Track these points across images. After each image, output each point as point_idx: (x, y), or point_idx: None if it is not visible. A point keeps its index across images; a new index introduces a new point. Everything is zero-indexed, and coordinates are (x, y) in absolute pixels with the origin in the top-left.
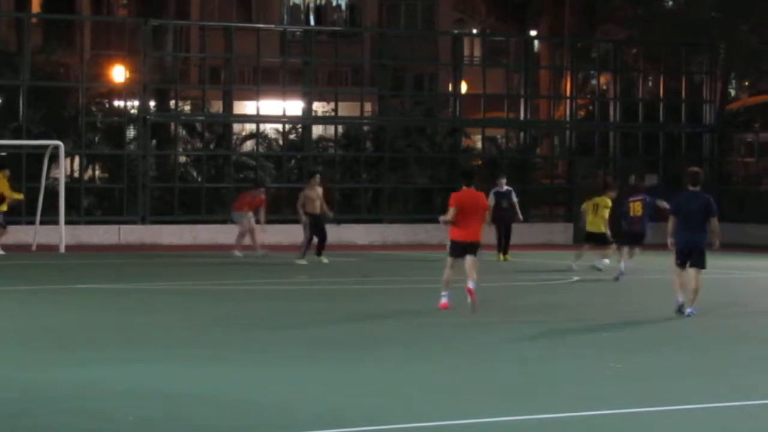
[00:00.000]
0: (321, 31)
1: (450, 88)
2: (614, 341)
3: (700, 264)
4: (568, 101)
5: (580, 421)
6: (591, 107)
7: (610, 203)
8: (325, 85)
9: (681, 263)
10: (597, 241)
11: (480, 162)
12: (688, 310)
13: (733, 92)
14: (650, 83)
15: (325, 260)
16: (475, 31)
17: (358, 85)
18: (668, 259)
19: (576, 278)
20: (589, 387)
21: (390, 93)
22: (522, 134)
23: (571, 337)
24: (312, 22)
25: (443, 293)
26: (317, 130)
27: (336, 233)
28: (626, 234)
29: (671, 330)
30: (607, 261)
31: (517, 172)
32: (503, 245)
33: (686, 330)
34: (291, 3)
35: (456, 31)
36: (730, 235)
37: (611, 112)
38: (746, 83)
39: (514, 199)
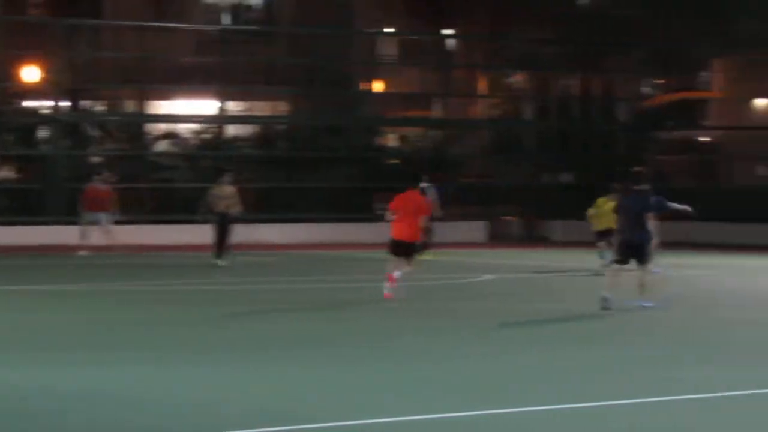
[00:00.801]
0: (236, 30)
1: (366, 87)
2: (531, 338)
3: (645, 260)
4: (483, 100)
5: (489, 418)
6: (506, 106)
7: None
8: (240, 85)
9: (621, 260)
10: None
11: (398, 161)
12: (643, 304)
13: (647, 90)
14: (565, 81)
15: (221, 262)
16: (391, 30)
17: (273, 84)
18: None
19: (487, 277)
20: (503, 383)
21: (305, 92)
22: (438, 133)
23: (493, 335)
24: (227, 22)
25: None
26: (232, 130)
27: (252, 233)
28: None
29: (591, 326)
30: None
31: (432, 171)
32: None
33: (605, 326)
34: (206, 2)
35: (372, 30)
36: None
37: (526, 111)
38: (661, 82)
39: (433, 196)
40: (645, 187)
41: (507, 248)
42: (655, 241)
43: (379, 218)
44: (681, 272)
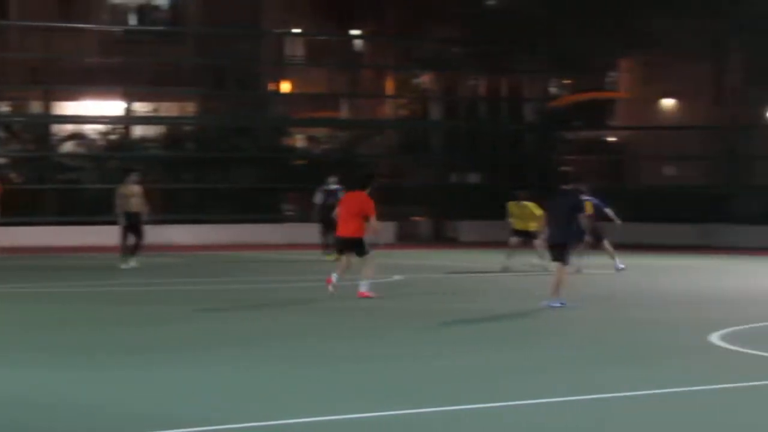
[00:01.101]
0: (142, 30)
1: (273, 88)
2: (443, 339)
3: (563, 259)
4: (390, 100)
5: (403, 418)
6: (413, 106)
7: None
8: (148, 85)
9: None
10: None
11: (306, 162)
12: (545, 302)
13: (554, 90)
14: (473, 82)
15: (134, 263)
16: (298, 30)
17: (180, 84)
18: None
19: (397, 277)
20: (417, 385)
21: (213, 93)
22: (345, 133)
23: (404, 336)
24: (133, 22)
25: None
26: (139, 131)
27: (159, 234)
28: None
29: (502, 327)
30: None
31: (340, 171)
32: (330, 244)
33: (517, 326)
34: (112, 2)
35: (279, 30)
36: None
37: (434, 111)
38: (568, 82)
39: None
40: (572, 186)
41: (416, 249)
42: (588, 240)
43: (288, 219)
44: (590, 272)
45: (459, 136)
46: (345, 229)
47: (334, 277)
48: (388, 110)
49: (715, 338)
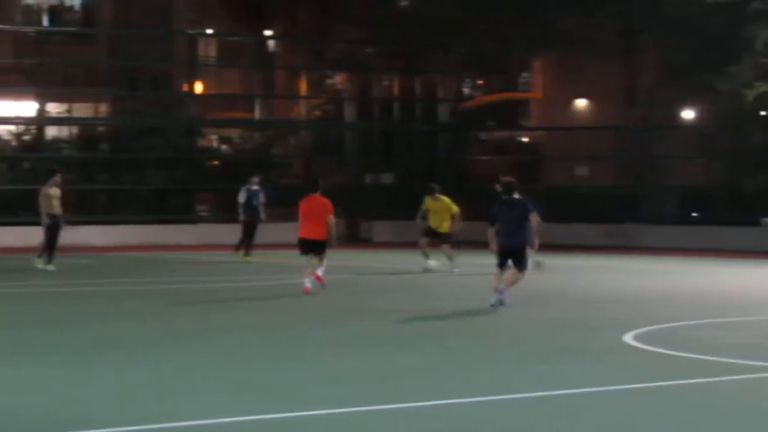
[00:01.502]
0: (55, 31)
1: (186, 89)
2: (357, 339)
3: (521, 264)
4: (304, 101)
5: (327, 418)
6: (327, 107)
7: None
8: (61, 86)
9: (501, 264)
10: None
11: (220, 162)
12: (502, 298)
13: (467, 91)
14: (385, 82)
15: (50, 267)
16: (210, 31)
17: (93, 85)
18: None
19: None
20: (320, 385)
21: (126, 93)
22: (258, 134)
23: (312, 337)
24: (46, 23)
25: (305, 279)
26: (52, 131)
27: (72, 235)
28: None
29: (413, 327)
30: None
31: (253, 172)
32: (247, 245)
33: (433, 327)
34: (25, 3)
35: (191, 31)
36: (470, 233)
37: (347, 112)
38: (480, 82)
39: (261, 199)
40: (517, 196)
41: (329, 249)
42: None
43: (201, 219)
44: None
45: (373, 137)
46: (312, 231)
47: (308, 282)
48: (301, 111)
49: (628, 338)
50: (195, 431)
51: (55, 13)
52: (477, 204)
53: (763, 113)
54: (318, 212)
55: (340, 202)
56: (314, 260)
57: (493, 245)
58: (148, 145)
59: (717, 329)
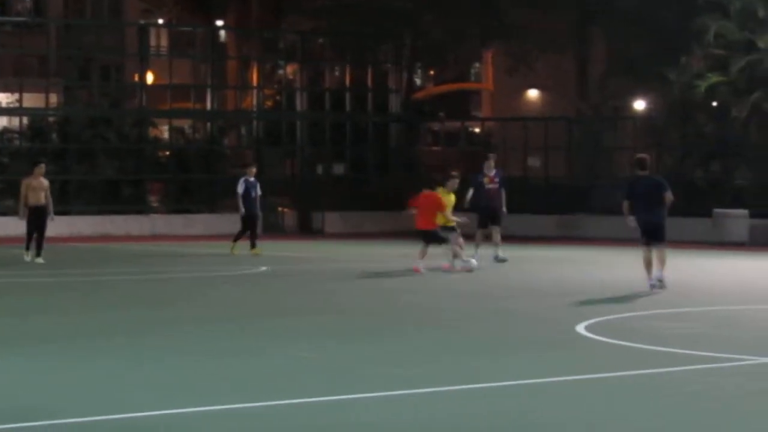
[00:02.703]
0: (5, 21)
1: (137, 79)
2: (306, 330)
3: (661, 238)
4: (255, 92)
5: (267, 410)
6: (278, 97)
7: None
8: (10, 76)
9: (646, 242)
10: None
11: (169, 153)
12: (655, 279)
13: (419, 81)
14: (337, 73)
15: (39, 259)
16: (161, 21)
17: (43, 76)
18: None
19: (263, 268)
20: (279, 377)
21: (76, 84)
22: (209, 125)
23: (264, 329)
24: None
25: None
26: (2, 122)
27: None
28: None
29: (360, 319)
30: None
31: (205, 163)
32: (251, 237)
33: (391, 319)
34: None
35: (142, 22)
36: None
37: (298, 103)
38: (431, 73)
39: (259, 191)
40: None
41: (281, 240)
42: None
43: (153, 210)
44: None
45: (324, 128)
46: (424, 223)
47: (420, 265)
48: (253, 101)
49: (581, 329)
50: (149, 422)
51: (5, 3)
52: None
53: (714, 104)
54: (431, 206)
55: (291, 193)
56: (426, 249)
57: (630, 220)
58: (98, 135)
59: (668, 320)
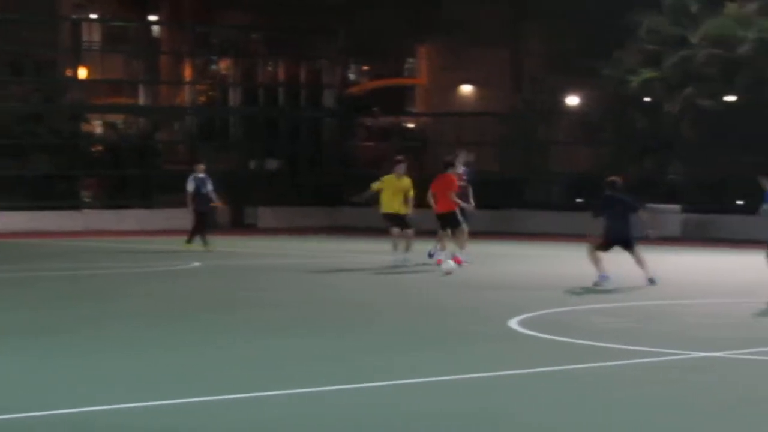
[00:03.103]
0: None
1: (70, 74)
2: (237, 326)
3: (632, 247)
4: (188, 87)
5: (199, 405)
6: (211, 92)
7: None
8: None
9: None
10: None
11: (102, 148)
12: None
13: (353, 77)
14: (270, 68)
15: None
16: (95, 16)
17: None
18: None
19: (195, 264)
20: (212, 371)
21: (9, 79)
22: (142, 120)
23: (198, 324)
24: None
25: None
26: None
27: None
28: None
29: (294, 314)
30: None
31: (138, 158)
32: (202, 234)
33: (326, 314)
34: None
35: (76, 17)
36: (351, 219)
37: (231, 98)
38: (365, 68)
39: (210, 186)
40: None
41: (215, 235)
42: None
43: (86, 205)
44: (385, 257)
45: (258, 123)
46: (444, 205)
47: (442, 255)
48: (186, 96)
49: (514, 324)
50: (77, 418)
51: None
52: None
53: (647, 99)
54: (446, 188)
55: (225, 189)
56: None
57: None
58: (30, 130)
59: (600, 314)
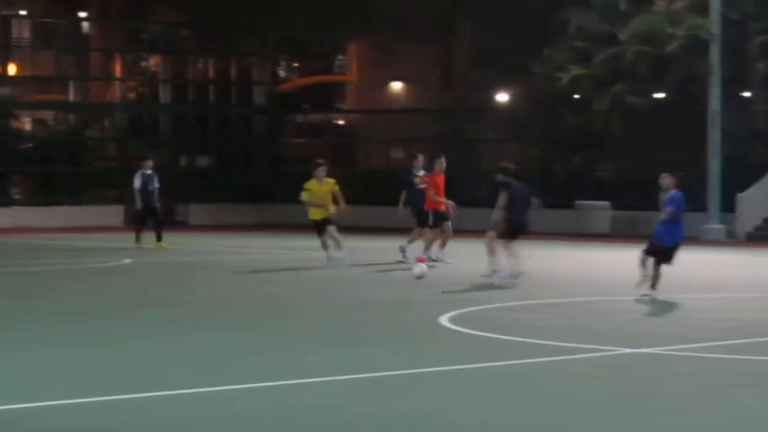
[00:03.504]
0: None
1: (0, 71)
2: (168, 322)
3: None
4: (118, 83)
5: (130, 402)
6: (141, 89)
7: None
8: None
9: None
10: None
11: (32, 144)
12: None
13: (283, 74)
14: (201, 65)
15: None
16: (24, 12)
17: None
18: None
19: (126, 261)
20: (143, 368)
21: None
22: (72, 116)
23: (128, 320)
24: None
25: None
26: None
27: None
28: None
29: (224, 311)
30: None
31: (68, 155)
32: (156, 230)
33: (258, 310)
34: None
35: (5, 13)
36: (281, 216)
37: (162, 94)
38: (296, 65)
39: (156, 183)
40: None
41: (145, 231)
42: None
43: (15, 202)
44: (314, 254)
45: (188, 119)
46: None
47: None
48: (116, 93)
49: (444, 320)
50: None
51: None
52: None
53: (576, 96)
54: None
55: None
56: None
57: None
58: None
59: (529, 311)
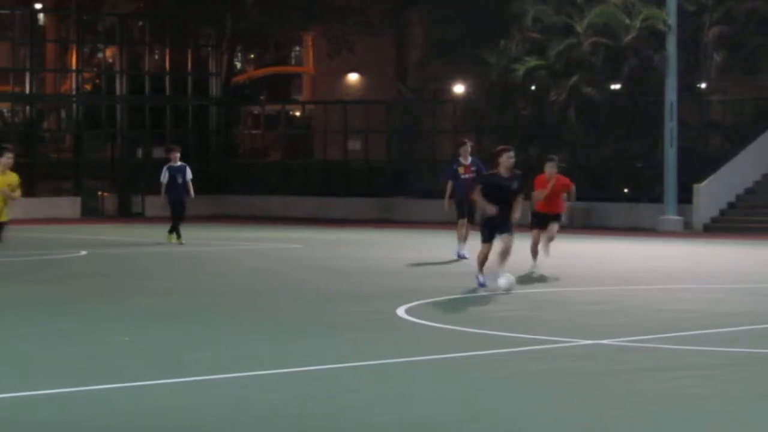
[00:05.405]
0: None
1: None
2: (124, 314)
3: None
4: (74, 75)
5: (86, 394)
6: (97, 81)
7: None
8: None
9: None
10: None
11: None
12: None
13: (239, 65)
14: (156, 56)
15: None
16: None
17: None
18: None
19: (83, 252)
20: (99, 360)
21: None
22: (28, 108)
23: (85, 312)
24: None
25: None
26: None
27: None
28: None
29: (180, 302)
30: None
31: (23, 147)
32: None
33: (212, 301)
34: None
35: None
36: (235, 207)
37: (118, 86)
38: (252, 56)
39: (189, 175)
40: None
41: (101, 224)
42: None
43: None
44: (270, 245)
45: (144, 111)
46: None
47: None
48: (72, 85)
49: (401, 312)
50: None
51: None
52: (251, 177)
53: (533, 88)
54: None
55: (111, 177)
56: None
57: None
58: None
59: (487, 303)
